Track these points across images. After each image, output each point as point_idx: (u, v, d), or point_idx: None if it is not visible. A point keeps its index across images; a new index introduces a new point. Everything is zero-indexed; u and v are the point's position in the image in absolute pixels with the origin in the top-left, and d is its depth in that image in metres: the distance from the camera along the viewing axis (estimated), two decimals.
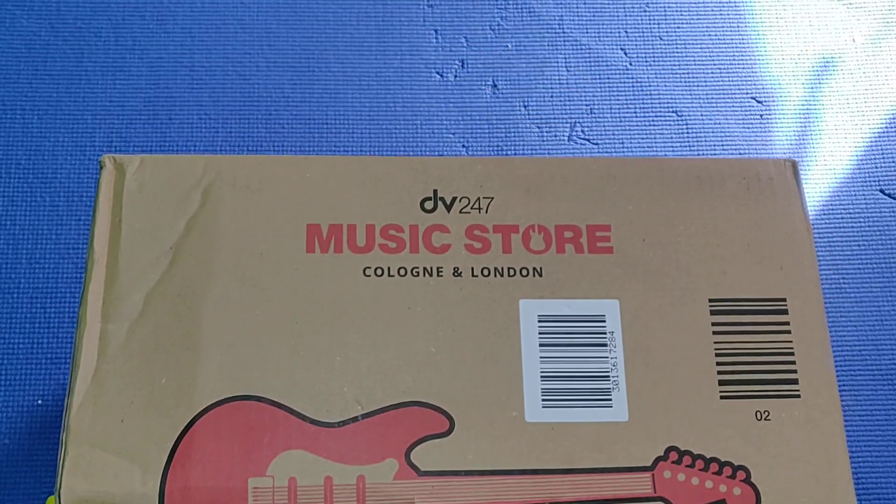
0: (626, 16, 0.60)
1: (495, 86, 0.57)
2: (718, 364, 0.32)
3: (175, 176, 0.33)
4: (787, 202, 0.34)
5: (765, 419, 0.31)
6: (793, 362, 0.32)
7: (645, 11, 0.60)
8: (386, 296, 0.32)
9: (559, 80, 0.57)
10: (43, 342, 0.49)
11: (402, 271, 0.32)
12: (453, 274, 0.32)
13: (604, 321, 0.32)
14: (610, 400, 0.31)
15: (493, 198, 0.33)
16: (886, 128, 0.58)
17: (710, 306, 0.32)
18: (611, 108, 0.57)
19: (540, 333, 0.32)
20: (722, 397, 0.31)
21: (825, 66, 0.59)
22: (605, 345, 0.32)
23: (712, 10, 0.60)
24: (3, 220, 0.51)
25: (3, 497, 0.47)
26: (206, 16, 0.57)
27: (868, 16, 0.61)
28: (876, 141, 0.57)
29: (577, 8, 0.59)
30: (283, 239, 0.32)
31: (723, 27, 0.60)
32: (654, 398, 0.31)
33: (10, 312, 0.50)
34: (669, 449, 0.30)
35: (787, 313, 0.32)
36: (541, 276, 0.32)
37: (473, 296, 0.32)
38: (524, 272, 0.32)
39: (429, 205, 0.33)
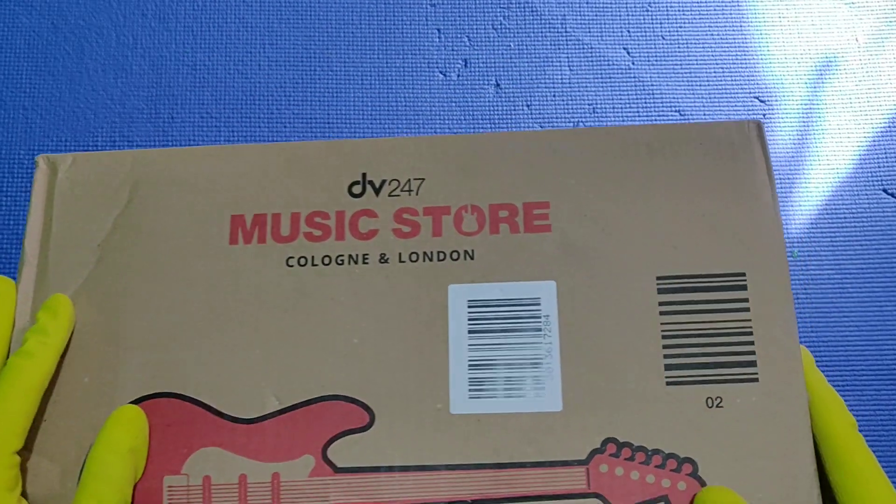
0: (628, 15, 0.59)
1: (498, 85, 0.57)
2: (665, 347, 0.29)
3: (105, 173, 0.32)
4: (750, 168, 0.31)
5: (716, 406, 0.28)
6: (751, 342, 0.29)
7: (647, 11, 0.60)
8: (309, 286, 0.31)
9: (562, 79, 0.57)
10: None
11: (327, 260, 0.31)
12: (380, 261, 0.31)
13: (538, 304, 0.30)
14: (543, 389, 0.29)
15: (424, 179, 0.32)
16: (889, 127, 0.58)
17: (658, 284, 0.30)
18: (613, 108, 0.57)
19: (469, 320, 0.30)
20: (668, 383, 0.29)
21: (828, 66, 0.59)
22: (540, 330, 0.30)
23: (715, 10, 0.60)
24: (5, 219, 0.51)
25: None
26: (209, 14, 0.56)
27: (871, 15, 0.60)
28: (879, 140, 0.57)
29: (579, 7, 0.59)
30: (207, 232, 0.32)
31: (725, 27, 0.60)
32: (592, 386, 0.29)
33: None
34: (607, 441, 0.28)
35: (746, 289, 0.30)
36: (472, 258, 0.31)
37: (400, 283, 0.31)
38: (454, 255, 0.31)
39: (356, 189, 0.32)
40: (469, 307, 0.30)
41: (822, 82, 0.59)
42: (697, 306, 0.30)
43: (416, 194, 0.32)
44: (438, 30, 0.58)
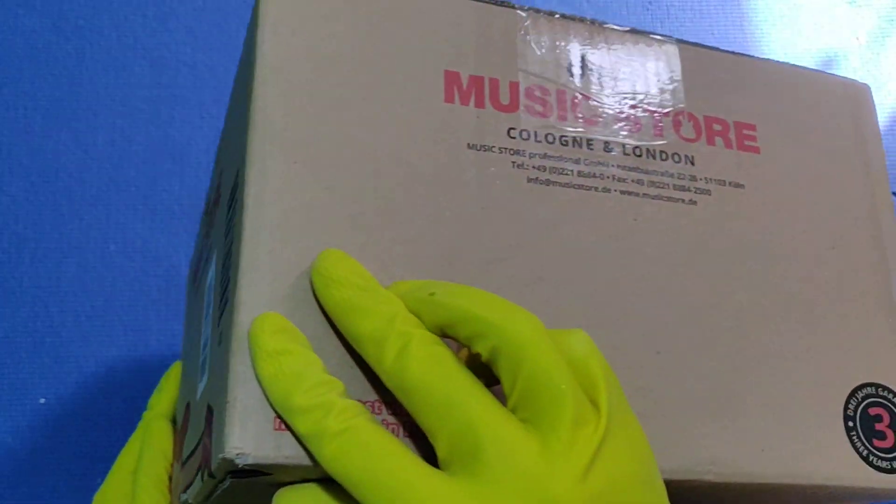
0: (628, 14, 0.59)
1: None
2: None
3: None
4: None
5: None
6: None
7: (648, 9, 0.60)
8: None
9: None
10: (45, 341, 0.49)
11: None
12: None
13: None
14: None
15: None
16: (890, 126, 0.57)
17: None
18: None
19: None
20: None
21: (829, 65, 0.59)
22: None
23: (716, 9, 0.60)
24: (5, 220, 0.51)
25: (6, 495, 0.47)
26: (208, 14, 0.56)
27: (872, 14, 0.60)
28: None
29: (579, 5, 0.59)
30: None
31: (726, 26, 0.60)
32: None
33: (12, 311, 0.50)
34: None
35: None
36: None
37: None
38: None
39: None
40: None
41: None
42: None
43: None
44: None
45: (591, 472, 0.21)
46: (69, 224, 0.51)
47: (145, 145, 0.53)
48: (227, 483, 0.24)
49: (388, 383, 0.22)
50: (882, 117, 0.57)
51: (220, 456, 0.22)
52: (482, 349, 0.22)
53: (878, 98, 0.58)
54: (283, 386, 0.22)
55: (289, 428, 0.23)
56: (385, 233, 0.26)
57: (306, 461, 0.23)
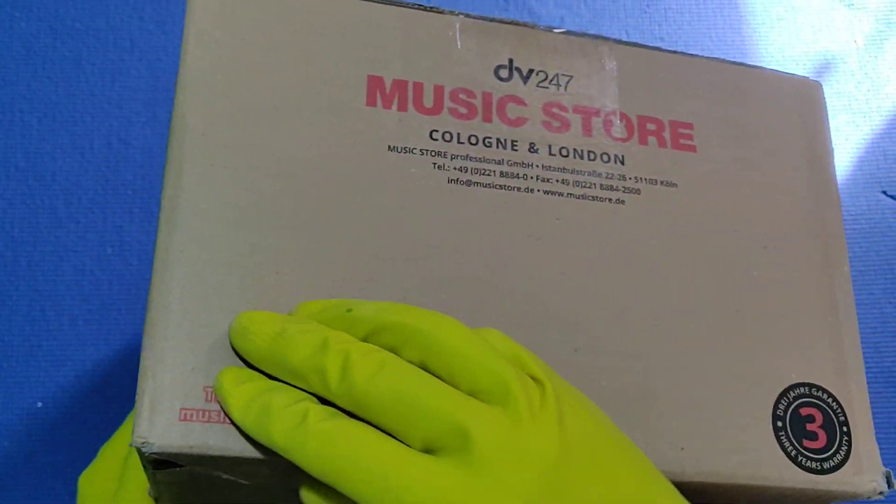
0: (626, 16, 0.59)
1: None
2: None
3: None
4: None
5: None
6: None
7: (646, 12, 0.60)
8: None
9: None
10: (42, 345, 0.49)
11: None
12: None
13: None
14: None
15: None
16: (888, 129, 0.57)
17: None
18: None
19: None
20: None
21: (827, 68, 0.59)
22: None
23: (713, 11, 0.60)
24: (1, 223, 0.51)
25: (2, 498, 0.47)
26: None
27: (870, 17, 0.60)
28: (878, 142, 0.57)
29: (577, 8, 0.59)
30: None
31: (724, 28, 0.60)
32: None
33: (8, 315, 0.50)
34: None
35: None
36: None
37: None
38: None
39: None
40: None
41: (821, 84, 0.59)
42: None
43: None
44: None
45: (564, 430, 0.21)
46: (66, 227, 0.51)
47: (142, 148, 0.53)
48: (157, 475, 0.25)
49: (343, 404, 0.22)
50: (880, 120, 0.58)
51: (129, 445, 0.24)
52: (411, 354, 0.22)
53: (876, 101, 0.58)
54: (256, 412, 0.23)
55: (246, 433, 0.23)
56: (299, 233, 0.26)
57: (211, 451, 0.23)
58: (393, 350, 0.23)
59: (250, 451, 0.24)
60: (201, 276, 0.25)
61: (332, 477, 0.21)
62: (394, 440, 0.22)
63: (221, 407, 0.24)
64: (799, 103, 0.33)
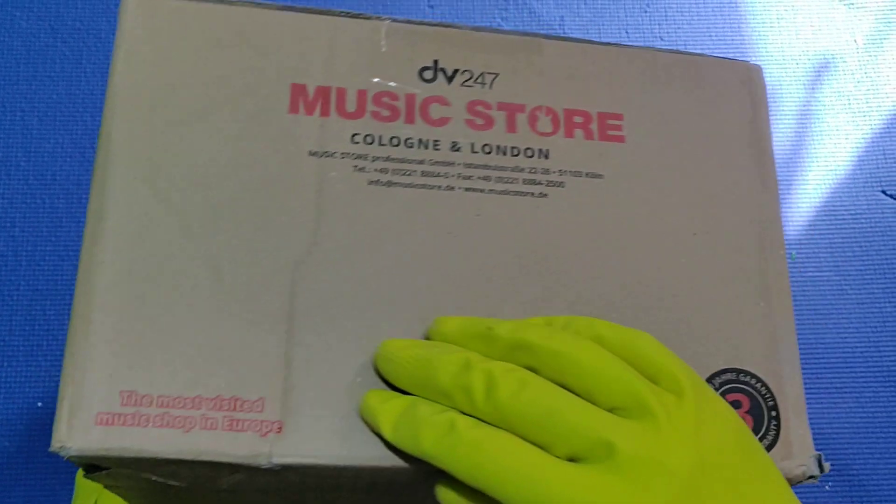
0: (626, 16, 0.59)
1: None
2: None
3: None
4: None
5: None
6: None
7: (645, 12, 0.60)
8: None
9: None
10: (42, 344, 0.49)
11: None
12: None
13: None
14: None
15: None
16: (888, 128, 0.57)
17: None
18: None
19: None
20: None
21: (826, 67, 0.59)
22: None
23: (713, 11, 0.60)
24: (2, 222, 0.51)
25: (2, 497, 0.47)
26: None
27: (870, 16, 0.60)
28: (877, 141, 0.57)
29: (577, 8, 0.59)
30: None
31: (723, 28, 0.60)
32: None
33: (9, 314, 0.50)
34: None
35: None
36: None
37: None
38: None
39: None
40: None
41: (821, 83, 0.59)
42: None
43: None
44: None
45: (701, 440, 0.23)
46: (66, 226, 0.51)
47: None
48: (94, 479, 0.26)
49: (490, 419, 0.24)
50: (880, 119, 0.58)
51: (49, 450, 0.24)
52: (549, 373, 0.24)
53: (875, 100, 0.58)
54: (406, 425, 0.24)
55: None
56: (215, 240, 0.27)
57: (127, 453, 0.24)
58: (531, 368, 0.24)
59: (164, 453, 0.24)
60: (120, 287, 0.26)
61: (481, 480, 0.22)
62: (540, 449, 0.23)
63: (370, 425, 0.25)
64: (738, 88, 0.33)
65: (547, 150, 0.30)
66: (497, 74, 0.31)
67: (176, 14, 0.30)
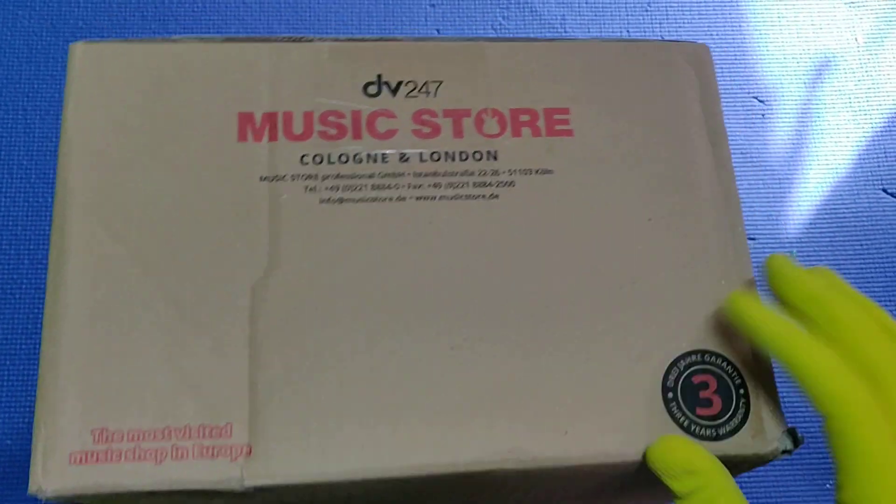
0: (627, 15, 0.60)
1: None
2: None
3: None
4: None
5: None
6: None
7: (647, 11, 0.60)
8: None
9: None
10: None
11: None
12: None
13: None
14: None
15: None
16: (889, 127, 0.58)
17: None
18: None
19: None
20: None
21: (827, 66, 0.59)
22: None
23: (714, 10, 0.60)
24: (5, 221, 0.51)
25: (5, 496, 0.47)
26: (208, 16, 0.56)
27: (870, 15, 0.60)
28: (878, 140, 0.57)
29: (578, 7, 0.59)
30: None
31: (724, 26, 0.60)
32: None
33: (12, 313, 0.50)
34: None
35: None
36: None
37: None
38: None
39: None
40: None
41: (821, 82, 0.59)
42: None
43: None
44: (437, 30, 0.58)
45: None
46: None
47: None
48: None
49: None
50: (880, 117, 0.58)
51: (28, 492, 0.26)
52: None
53: (876, 99, 0.58)
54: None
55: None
56: (173, 273, 0.28)
57: (103, 489, 0.25)
58: None
59: (138, 486, 0.25)
60: (85, 328, 0.27)
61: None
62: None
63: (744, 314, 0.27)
64: (685, 68, 0.33)
65: (495, 152, 0.31)
66: (441, 82, 0.31)
67: (121, 57, 0.31)
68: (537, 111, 0.31)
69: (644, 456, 0.27)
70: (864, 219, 0.55)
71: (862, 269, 0.54)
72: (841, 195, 0.55)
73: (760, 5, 0.60)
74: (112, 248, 0.28)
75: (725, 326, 0.29)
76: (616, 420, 0.28)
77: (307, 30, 0.57)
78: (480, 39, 0.32)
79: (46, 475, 0.25)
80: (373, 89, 0.31)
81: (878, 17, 0.60)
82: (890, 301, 0.53)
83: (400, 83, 0.31)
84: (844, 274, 0.53)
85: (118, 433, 0.26)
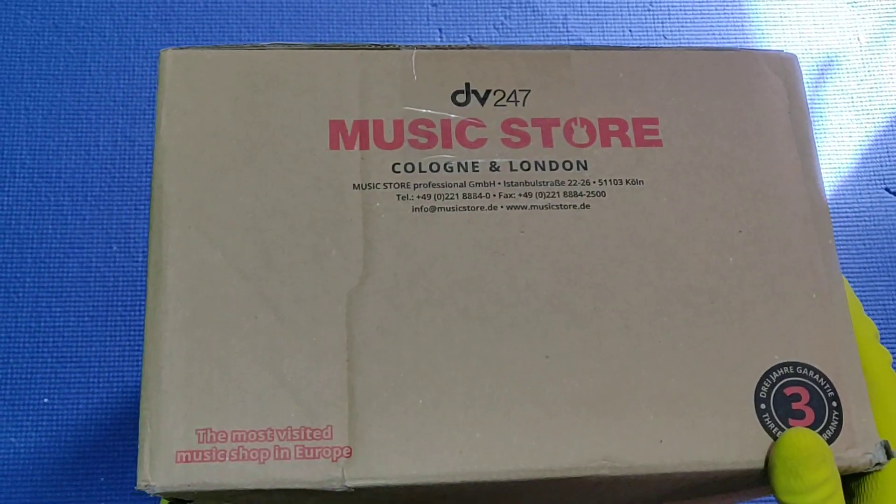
0: (629, 15, 0.60)
1: None
2: None
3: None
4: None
5: None
6: None
7: (649, 10, 0.60)
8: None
9: None
10: (48, 341, 0.49)
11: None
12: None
13: None
14: None
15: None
16: (891, 126, 0.58)
17: None
18: None
19: None
20: None
21: (830, 65, 0.59)
22: None
23: (716, 9, 0.60)
24: (7, 220, 0.51)
25: (9, 493, 0.47)
26: (210, 15, 0.57)
27: (873, 14, 0.60)
28: (881, 139, 0.57)
29: (580, 7, 0.59)
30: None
31: (727, 26, 0.60)
32: None
33: (15, 312, 0.50)
34: None
35: None
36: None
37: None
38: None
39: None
40: None
41: (824, 81, 0.59)
42: None
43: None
44: (440, 29, 0.58)
45: None
46: (71, 224, 0.51)
47: (147, 146, 0.53)
48: None
49: None
50: (883, 117, 0.58)
51: (136, 488, 0.26)
52: None
53: (878, 99, 0.58)
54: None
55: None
56: (270, 279, 0.28)
57: (208, 486, 0.26)
58: None
59: (242, 484, 0.26)
60: (185, 333, 0.28)
61: None
62: None
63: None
64: (772, 78, 0.33)
65: (585, 161, 0.31)
66: (529, 91, 0.32)
67: (212, 64, 0.31)
68: (626, 121, 0.32)
69: (771, 449, 0.27)
70: (867, 218, 0.55)
71: (864, 268, 0.54)
72: (843, 194, 0.55)
73: (763, 5, 0.60)
74: (210, 254, 0.29)
75: (817, 338, 0.29)
76: (710, 430, 0.28)
77: (308, 29, 0.57)
78: (566, 48, 0.33)
79: (154, 472, 0.26)
80: (461, 98, 0.31)
81: (880, 17, 0.60)
82: (893, 300, 0.53)
83: (488, 92, 0.32)
84: (847, 273, 0.53)
85: (222, 434, 0.27)
